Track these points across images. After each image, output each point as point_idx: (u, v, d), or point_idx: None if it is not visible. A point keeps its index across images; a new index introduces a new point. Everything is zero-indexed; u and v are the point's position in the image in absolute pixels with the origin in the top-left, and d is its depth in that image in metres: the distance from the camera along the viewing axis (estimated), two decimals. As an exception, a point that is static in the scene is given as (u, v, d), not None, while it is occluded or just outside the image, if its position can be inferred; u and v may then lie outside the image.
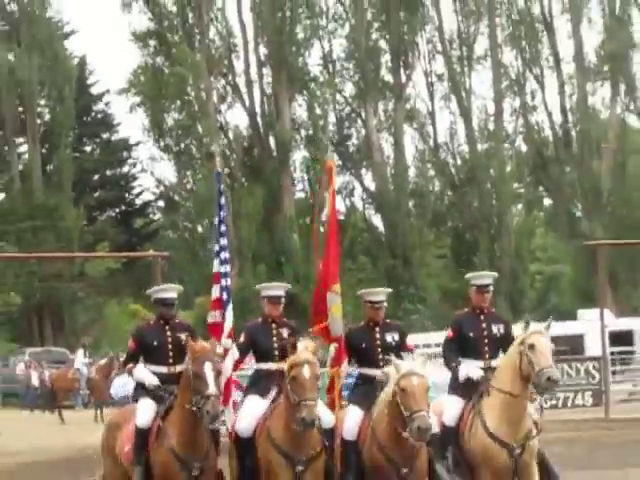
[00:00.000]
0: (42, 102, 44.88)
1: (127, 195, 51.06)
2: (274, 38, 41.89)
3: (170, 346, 7.23)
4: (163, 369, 7.10)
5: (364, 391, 7.25)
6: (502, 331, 7.39)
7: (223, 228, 8.20)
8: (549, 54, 41.91)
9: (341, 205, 46.05)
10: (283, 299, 7.70)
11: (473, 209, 41.48)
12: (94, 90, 49.30)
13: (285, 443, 6.49)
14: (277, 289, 7.84)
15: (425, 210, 45.24)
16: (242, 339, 7.37)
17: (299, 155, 42.98)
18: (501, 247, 40.17)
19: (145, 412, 6.92)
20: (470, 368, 7.07)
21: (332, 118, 43.35)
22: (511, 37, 42.38)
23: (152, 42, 43.76)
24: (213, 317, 7.89)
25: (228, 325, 7.53)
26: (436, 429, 6.55)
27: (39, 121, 44.22)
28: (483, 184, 40.38)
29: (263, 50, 42.76)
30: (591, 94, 42.49)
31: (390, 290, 8.25)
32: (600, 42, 41.29)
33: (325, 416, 6.74)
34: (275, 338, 7.36)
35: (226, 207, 9.50)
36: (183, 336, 7.20)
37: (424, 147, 45.45)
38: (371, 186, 43.70)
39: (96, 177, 49.42)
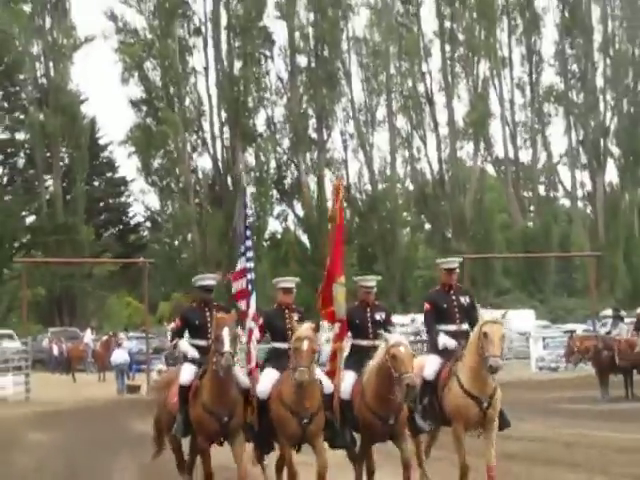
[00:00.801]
0: (63, 149, 52.96)
1: (124, 218, 58.28)
2: (232, 106, 51.73)
3: (209, 324, 8.24)
4: (203, 343, 8.19)
5: (356, 359, 8.33)
6: (468, 301, 8.62)
7: (248, 233, 8.92)
8: (430, 120, 52.93)
9: (278, 227, 55.29)
10: (294, 290, 8.68)
11: (374, 231, 51.02)
12: (101, 141, 57.01)
13: (292, 402, 7.62)
14: (290, 282, 8.92)
15: (339, 231, 54.03)
16: (260, 322, 8.39)
17: (249, 190, 49.74)
18: (394, 259, 50.06)
19: (186, 373, 8.17)
20: (447, 339, 8.18)
21: (273, 164, 53.06)
22: (402, 107, 53.03)
23: (144, 107, 53.19)
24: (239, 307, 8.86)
25: (252, 311, 8.37)
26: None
27: (61, 163, 52.91)
28: (381, 213, 50.67)
29: (224, 114, 52.56)
30: (459, 149, 53.38)
31: (380, 277, 9.52)
32: (466, 112, 52.01)
33: (326, 383, 7.92)
34: (288, 321, 8.33)
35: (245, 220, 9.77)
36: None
37: (339, 186, 55.16)
38: (300, 213, 53.40)
39: (102, 204, 57.13)
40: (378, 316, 8.47)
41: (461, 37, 55.15)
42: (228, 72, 53.63)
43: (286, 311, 8.31)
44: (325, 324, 8.87)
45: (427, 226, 55.77)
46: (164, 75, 52.67)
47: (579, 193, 56.21)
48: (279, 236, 55.51)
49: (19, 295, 42.79)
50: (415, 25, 56.49)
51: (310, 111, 53.34)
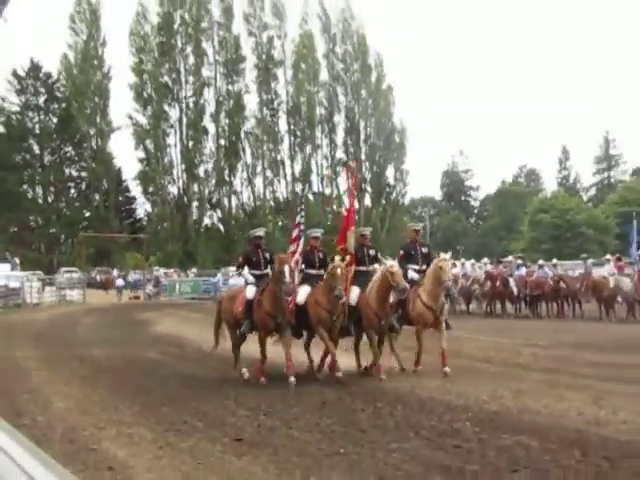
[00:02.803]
0: (104, 182, 71.10)
1: (133, 215, 75.43)
2: (188, 163, 71.77)
3: (262, 260, 10.99)
4: (258, 272, 10.93)
5: (359, 279, 11.19)
6: (426, 251, 11.71)
7: (301, 220, 12.56)
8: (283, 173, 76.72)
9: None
10: (320, 237, 11.53)
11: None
12: (123, 177, 74.00)
13: (326, 305, 10.53)
14: (318, 232, 11.82)
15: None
16: (300, 257, 11.43)
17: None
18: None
19: (250, 292, 10.78)
20: (413, 273, 11.28)
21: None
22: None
23: (145, 162, 71.35)
24: (291, 248, 12.09)
25: (299, 249, 11.58)
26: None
27: (103, 188, 71.36)
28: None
29: (183, 167, 72.34)
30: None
31: (371, 228, 13.56)
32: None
33: (352, 296, 10.75)
34: (316, 257, 11.41)
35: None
36: (267, 255, 11.32)
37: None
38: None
39: (122, 207, 73.69)
40: (372, 252, 11.74)
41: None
42: (185, 145, 72.46)
43: (315, 251, 11.40)
44: (337, 257, 11.17)
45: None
46: (155, 148, 72.16)
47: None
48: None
49: (81, 252, 58.45)
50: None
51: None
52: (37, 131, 66.84)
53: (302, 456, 6.99)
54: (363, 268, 11.33)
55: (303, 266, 11.44)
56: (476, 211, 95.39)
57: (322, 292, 10.69)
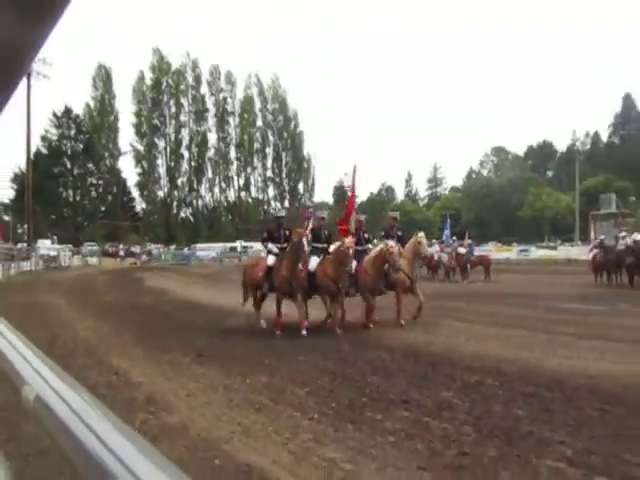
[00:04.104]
0: (113, 189, 71.39)
1: (132, 211, 74.61)
2: (171, 177, 76.08)
3: (282, 236, 9.72)
4: (278, 245, 9.71)
5: (357, 255, 9.87)
6: (400, 233, 10.58)
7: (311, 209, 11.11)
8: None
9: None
10: (326, 217, 10.25)
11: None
12: (128, 184, 74.17)
13: (332, 274, 9.25)
14: (324, 213, 10.55)
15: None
16: (310, 233, 9.85)
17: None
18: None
19: (271, 260, 9.64)
20: (393, 243, 9.78)
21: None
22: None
23: (143, 177, 74.11)
24: (305, 226, 10.25)
25: (310, 227, 10.10)
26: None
27: (114, 191, 71.93)
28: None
29: (167, 178, 76.69)
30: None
31: (366, 215, 11.91)
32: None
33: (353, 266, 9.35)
34: (322, 233, 10.00)
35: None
36: (286, 232, 9.90)
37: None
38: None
39: (127, 209, 72.73)
40: (366, 235, 10.53)
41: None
42: (169, 165, 76.00)
43: (321, 228, 9.99)
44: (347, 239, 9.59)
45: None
46: (149, 166, 75.56)
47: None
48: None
49: (98, 233, 63.16)
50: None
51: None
52: (69, 153, 68.85)
53: (241, 366, 7.02)
54: (359, 247, 10.30)
55: (311, 240, 10.14)
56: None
57: (330, 264, 9.54)
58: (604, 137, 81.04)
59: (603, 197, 53.77)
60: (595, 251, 21.45)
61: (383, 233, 10.69)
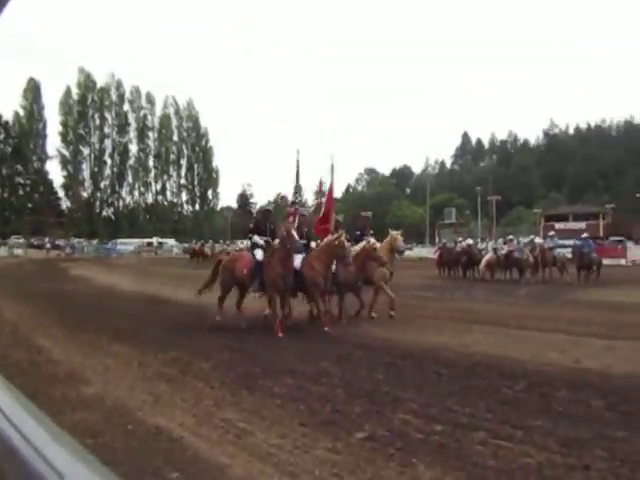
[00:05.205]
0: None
1: (60, 211, 68.31)
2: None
3: (268, 229, 8.37)
4: (264, 238, 8.25)
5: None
6: (372, 232, 9.60)
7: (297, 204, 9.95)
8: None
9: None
10: (306, 215, 9.21)
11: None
12: None
13: (320, 269, 7.94)
14: (305, 211, 9.69)
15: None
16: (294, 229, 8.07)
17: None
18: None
19: (259, 254, 8.09)
20: (373, 240, 8.99)
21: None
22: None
23: None
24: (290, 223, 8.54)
25: (295, 224, 8.57)
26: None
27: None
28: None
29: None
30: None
31: (343, 215, 10.89)
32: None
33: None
34: (303, 231, 8.71)
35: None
36: (272, 226, 8.45)
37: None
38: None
39: (53, 207, 66.72)
40: (358, 232, 9.53)
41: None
42: (93, 170, 70.52)
43: (302, 225, 8.84)
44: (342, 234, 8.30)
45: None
46: (74, 170, 69.63)
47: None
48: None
49: (24, 227, 55.71)
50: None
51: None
52: (-1, 155, 63.48)
53: (153, 343, 6.70)
54: (358, 246, 9.22)
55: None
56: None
57: (318, 260, 8.02)
58: (448, 164, 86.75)
59: (446, 210, 57.15)
60: (439, 252, 22.67)
61: (358, 232, 9.70)
